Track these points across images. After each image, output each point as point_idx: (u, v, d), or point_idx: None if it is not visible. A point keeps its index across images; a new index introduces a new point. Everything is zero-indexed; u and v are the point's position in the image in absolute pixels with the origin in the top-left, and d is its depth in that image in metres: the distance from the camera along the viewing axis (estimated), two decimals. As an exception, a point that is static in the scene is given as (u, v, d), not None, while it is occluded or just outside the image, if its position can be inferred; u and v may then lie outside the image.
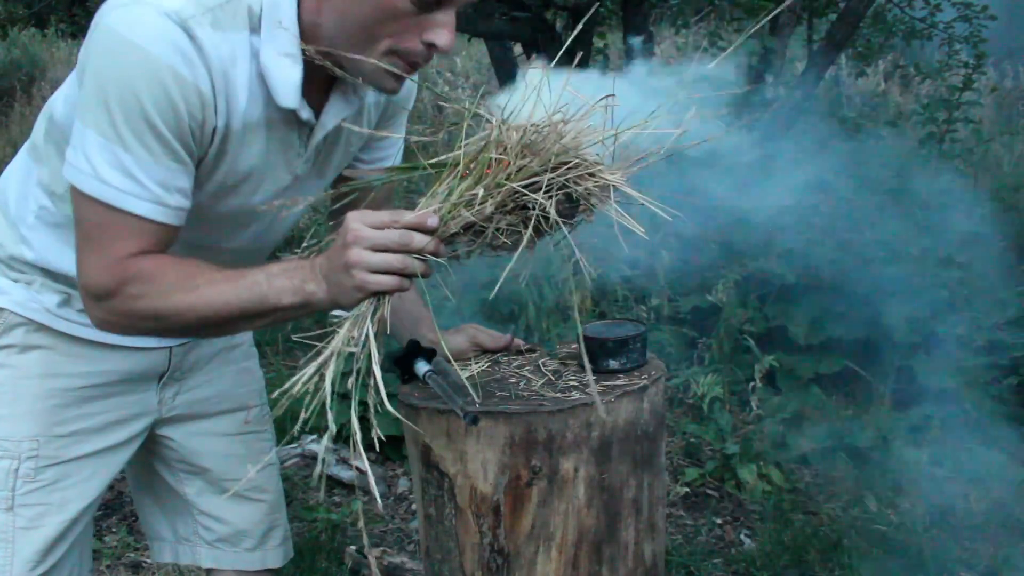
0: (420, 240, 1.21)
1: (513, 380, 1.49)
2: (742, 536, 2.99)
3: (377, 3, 1.23)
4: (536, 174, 1.21)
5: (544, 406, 1.34)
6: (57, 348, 1.53)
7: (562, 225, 1.24)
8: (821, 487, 3.22)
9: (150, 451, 1.73)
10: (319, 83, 1.38)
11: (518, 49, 4.58)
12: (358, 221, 1.21)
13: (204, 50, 1.24)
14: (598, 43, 4.77)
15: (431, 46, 1.27)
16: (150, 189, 1.27)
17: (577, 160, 1.23)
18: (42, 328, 1.52)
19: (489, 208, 1.21)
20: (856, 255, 3.67)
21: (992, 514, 3.01)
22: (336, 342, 1.23)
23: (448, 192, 1.23)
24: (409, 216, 1.21)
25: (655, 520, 1.46)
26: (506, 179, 1.21)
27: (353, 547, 2.81)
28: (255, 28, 1.29)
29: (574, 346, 1.59)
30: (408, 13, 1.23)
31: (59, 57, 9.02)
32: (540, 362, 1.57)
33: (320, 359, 1.23)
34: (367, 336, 1.22)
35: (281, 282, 1.26)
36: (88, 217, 1.30)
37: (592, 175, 1.24)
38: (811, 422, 3.47)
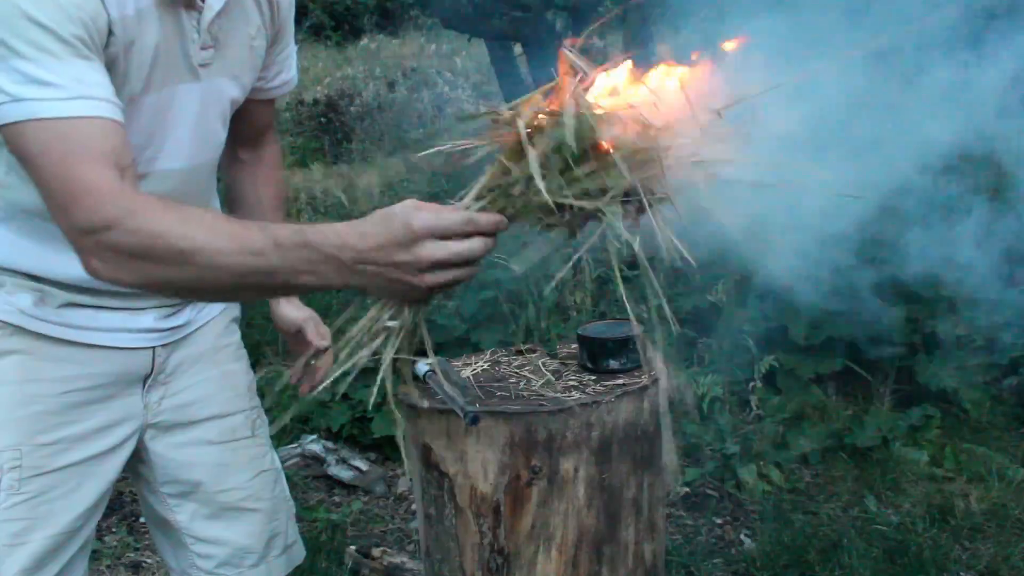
0: (485, 244, 1.15)
1: (513, 380, 1.49)
2: (742, 536, 2.99)
3: None
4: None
5: (544, 406, 1.34)
6: (35, 352, 1.46)
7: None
8: (821, 487, 3.21)
9: (138, 477, 1.67)
10: None
11: (518, 49, 4.58)
12: (430, 236, 1.11)
13: None
14: (598, 43, 4.77)
15: None
16: (67, 88, 1.19)
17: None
18: (18, 331, 1.45)
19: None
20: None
21: (992, 514, 3.01)
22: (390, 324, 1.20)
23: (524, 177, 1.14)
24: (484, 221, 1.14)
25: (655, 520, 1.46)
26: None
27: (353, 547, 2.81)
28: None
29: (574, 346, 1.59)
30: None
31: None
32: (540, 362, 1.57)
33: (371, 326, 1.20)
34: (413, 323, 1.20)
35: (306, 279, 1.15)
36: (29, 149, 1.21)
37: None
38: (811, 422, 3.47)
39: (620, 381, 1.42)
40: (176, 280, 1.19)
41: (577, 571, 1.38)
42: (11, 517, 1.45)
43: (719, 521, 3.06)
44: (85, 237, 1.19)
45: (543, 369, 1.53)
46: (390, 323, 1.20)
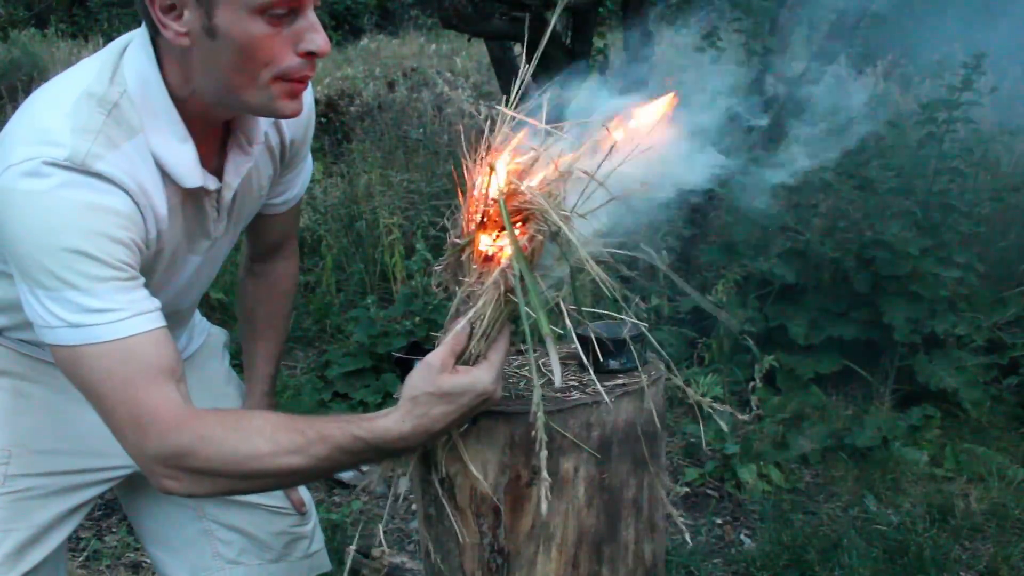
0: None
1: (513, 380, 1.49)
2: (742, 536, 2.99)
3: (235, 44, 1.18)
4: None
5: (544, 406, 1.34)
6: (26, 376, 1.51)
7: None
8: (821, 487, 3.21)
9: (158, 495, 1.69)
10: (212, 146, 1.37)
11: (518, 49, 4.58)
12: (497, 385, 1.27)
13: (112, 177, 1.21)
14: (598, 43, 4.76)
15: (310, 54, 1.22)
16: (122, 310, 1.21)
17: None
18: (9, 351, 1.50)
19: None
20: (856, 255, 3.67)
21: (992, 514, 3.01)
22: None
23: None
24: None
25: (655, 520, 1.46)
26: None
27: (353, 547, 2.81)
28: (140, 127, 1.27)
29: (574, 346, 1.59)
30: (268, 35, 1.18)
31: (59, 57, 9.00)
32: (540, 362, 1.57)
33: None
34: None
35: (383, 455, 1.31)
36: (89, 375, 1.22)
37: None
38: (811, 422, 3.47)
39: (620, 381, 1.42)
40: (251, 488, 1.34)
41: (577, 571, 1.38)
42: None
43: (719, 521, 3.06)
44: (156, 464, 1.22)
45: (543, 369, 1.53)
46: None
